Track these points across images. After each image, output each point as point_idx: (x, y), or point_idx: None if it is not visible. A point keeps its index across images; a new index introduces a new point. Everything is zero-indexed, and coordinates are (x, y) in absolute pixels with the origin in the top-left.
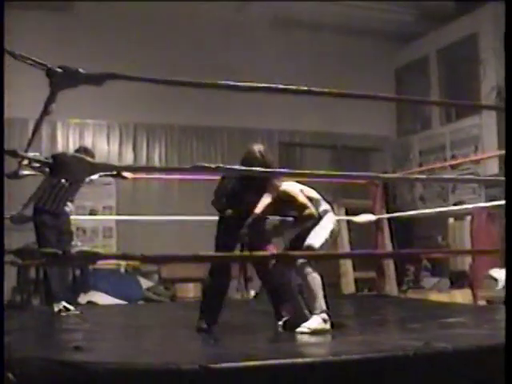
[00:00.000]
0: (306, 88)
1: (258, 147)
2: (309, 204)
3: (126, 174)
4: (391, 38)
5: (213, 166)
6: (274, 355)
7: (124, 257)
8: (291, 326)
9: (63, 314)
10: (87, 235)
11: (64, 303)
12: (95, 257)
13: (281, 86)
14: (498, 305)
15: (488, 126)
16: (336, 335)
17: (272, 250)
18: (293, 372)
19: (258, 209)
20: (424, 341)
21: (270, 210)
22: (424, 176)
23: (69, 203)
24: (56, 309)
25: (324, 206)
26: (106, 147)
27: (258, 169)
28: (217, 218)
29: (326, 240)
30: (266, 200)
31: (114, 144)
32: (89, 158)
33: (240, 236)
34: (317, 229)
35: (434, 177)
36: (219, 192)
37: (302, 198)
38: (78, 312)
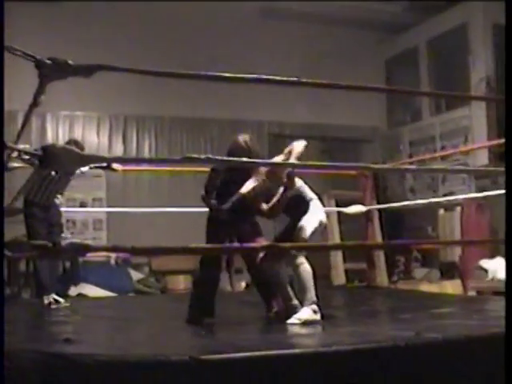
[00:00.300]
0: (295, 79)
1: (243, 137)
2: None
3: (115, 165)
4: (381, 28)
5: (202, 156)
6: (265, 346)
7: (114, 249)
8: (281, 317)
9: (53, 306)
10: (77, 227)
11: (54, 296)
12: (85, 249)
13: (270, 77)
14: (488, 295)
15: (478, 116)
16: (327, 326)
17: (262, 242)
18: (283, 363)
19: (244, 189)
20: (415, 331)
21: (260, 197)
22: (414, 166)
23: (59, 196)
24: (46, 301)
25: (310, 194)
26: (95, 139)
27: (249, 160)
28: (207, 209)
29: (316, 229)
30: (251, 183)
31: (103, 136)
32: (78, 150)
33: (221, 211)
34: (307, 216)
35: (425, 167)
36: (209, 187)
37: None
38: (67, 304)
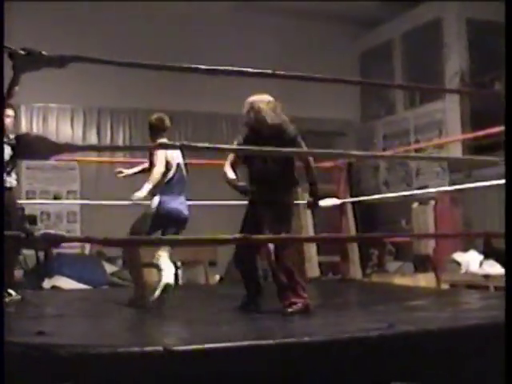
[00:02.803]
0: (269, 71)
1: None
2: None
3: None
4: (355, 22)
5: (177, 143)
6: (238, 338)
7: (88, 240)
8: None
9: (7, 299)
10: (51, 220)
11: (8, 289)
12: (59, 239)
13: (243, 69)
14: (461, 288)
15: (451, 110)
16: (300, 318)
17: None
18: (255, 354)
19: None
20: (388, 323)
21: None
22: (389, 153)
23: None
24: None
25: None
26: (69, 131)
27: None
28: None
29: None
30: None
31: (77, 128)
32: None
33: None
34: None
35: (399, 155)
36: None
37: None
38: (19, 297)
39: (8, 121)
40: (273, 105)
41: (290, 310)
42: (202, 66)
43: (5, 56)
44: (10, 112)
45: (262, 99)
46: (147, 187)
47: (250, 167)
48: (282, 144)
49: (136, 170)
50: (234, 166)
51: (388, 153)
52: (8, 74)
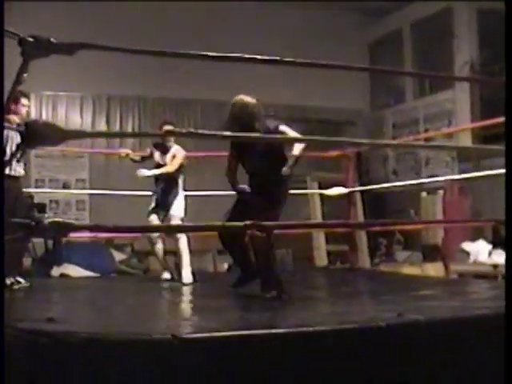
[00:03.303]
0: (277, 58)
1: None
2: None
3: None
4: (365, 12)
5: (183, 130)
6: (246, 326)
7: (97, 228)
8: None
9: (15, 287)
10: (60, 208)
11: (17, 277)
12: (68, 227)
13: (252, 56)
14: (470, 278)
15: (461, 100)
16: (308, 306)
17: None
18: (264, 342)
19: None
20: (397, 312)
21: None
22: (396, 142)
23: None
24: (8, 282)
25: None
26: (79, 119)
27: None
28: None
29: None
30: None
31: (87, 116)
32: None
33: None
34: None
35: (407, 143)
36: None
37: None
38: (27, 285)
39: (23, 110)
40: (259, 106)
41: (267, 295)
42: (211, 53)
43: (14, 43)
44: (25, 101)
45: (253, 100)
46: (157, 172)
47: (244, 163)
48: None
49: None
50: (233, 165)
51: (395, 141)
52: (17, 61)
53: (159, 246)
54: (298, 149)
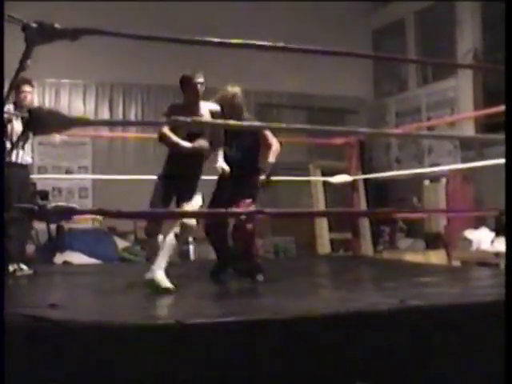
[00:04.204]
0: (281, 45)
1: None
2: None
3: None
4: None
5: (188, 119)
6: (249, 312)
7: (100, 212)
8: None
9: (18, 273)
10: (63, 195)
11: (21, 264)
12: (71, 212)
13: (256, 42)
14: (472, 265)
15: (464, 88)
16: (311, 292)
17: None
18: (269, 328)
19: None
20: (399, 298)
21: None
22: (399, 131)
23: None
24: (11, 268)
25: None
26: (82, 107)
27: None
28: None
29: None
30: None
31: (90, 104)
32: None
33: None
34: None
35: (411, 133)
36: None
37: None
38: (31, 272)
39: (27, 97)
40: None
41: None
42: (215, 39)
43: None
44: (27, 88)
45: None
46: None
47: (225, 152)
48: (248, 134)
49: None
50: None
51: (397, 131)
52: (20, 48)
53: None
54: (274, 155)
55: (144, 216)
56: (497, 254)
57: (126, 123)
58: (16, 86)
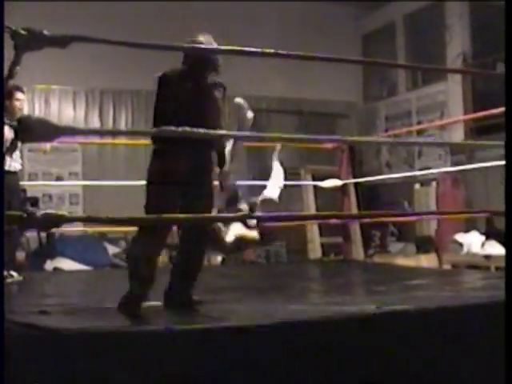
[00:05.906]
0: (271, 51)
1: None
2: None
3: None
4: (358, 4)
5: (180, 129)
6: (240, 318)
7: (90, 219)
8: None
9: (9, 280)
10: (53, 202)
11: (11, 271)
12: (60, 219)
13: (246, 49)
14: (463, 269)
15: (454, 92)
16: (300, 297)
17: None
18: (258, 334)
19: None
20: (386, 303)
21: None
22: (390, 139)
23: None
24: None
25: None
26: (72, 113)
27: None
28: None
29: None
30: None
31: (80, 110)
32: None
33: None
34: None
35: (399, 140)
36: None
37: None
38: (21, 278)
39: (17, 104)
40: None
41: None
42: (203, 46)
43: (7, 36)
44: (19, 95)
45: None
46: None
47: None
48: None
49: None
50: None
51: (386, 139)
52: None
53: None
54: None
55: (135, 222)
56: (487, 257)
57: (115, 132)
58: (7, 93)
